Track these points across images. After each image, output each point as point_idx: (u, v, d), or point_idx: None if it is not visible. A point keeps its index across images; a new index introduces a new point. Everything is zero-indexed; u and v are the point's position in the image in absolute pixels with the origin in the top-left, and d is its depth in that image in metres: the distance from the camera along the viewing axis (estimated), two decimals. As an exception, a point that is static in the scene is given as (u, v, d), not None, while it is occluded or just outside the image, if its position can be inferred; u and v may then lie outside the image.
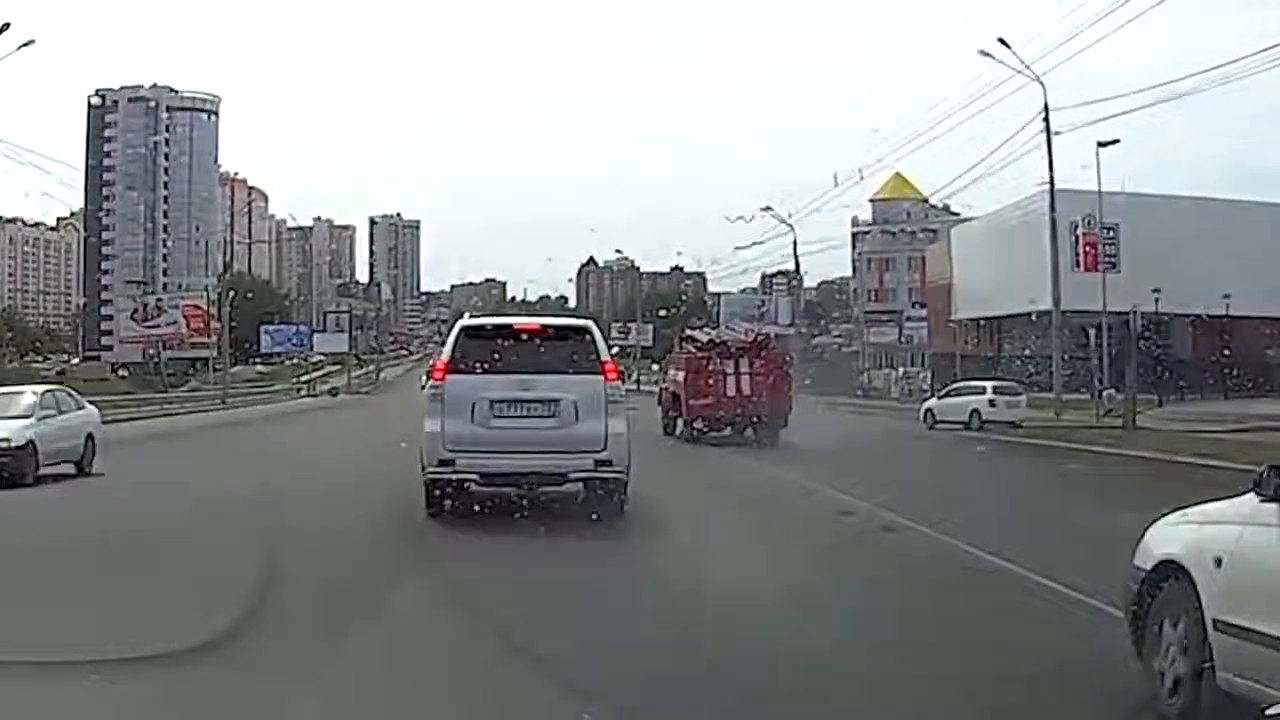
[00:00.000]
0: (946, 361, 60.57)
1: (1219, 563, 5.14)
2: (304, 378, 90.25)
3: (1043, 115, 38.03)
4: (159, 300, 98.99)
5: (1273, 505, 4.96)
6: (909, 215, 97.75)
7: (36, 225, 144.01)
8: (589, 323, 12.86)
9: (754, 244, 77.15)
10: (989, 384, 36.81)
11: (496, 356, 11.89)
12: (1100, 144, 38.47)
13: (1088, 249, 40.24)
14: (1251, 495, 5.15)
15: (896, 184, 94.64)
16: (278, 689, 5.68)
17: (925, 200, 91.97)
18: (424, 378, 14.96)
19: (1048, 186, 54.39)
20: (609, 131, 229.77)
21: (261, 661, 6.18)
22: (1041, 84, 38.71)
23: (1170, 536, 5.66)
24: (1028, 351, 48.80)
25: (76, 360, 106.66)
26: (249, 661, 6.17)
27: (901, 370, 66.72)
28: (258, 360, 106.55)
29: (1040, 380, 39.51)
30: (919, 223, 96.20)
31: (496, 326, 13.08)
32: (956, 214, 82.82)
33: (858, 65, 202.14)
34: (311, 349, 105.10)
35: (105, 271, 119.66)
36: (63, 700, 5.54)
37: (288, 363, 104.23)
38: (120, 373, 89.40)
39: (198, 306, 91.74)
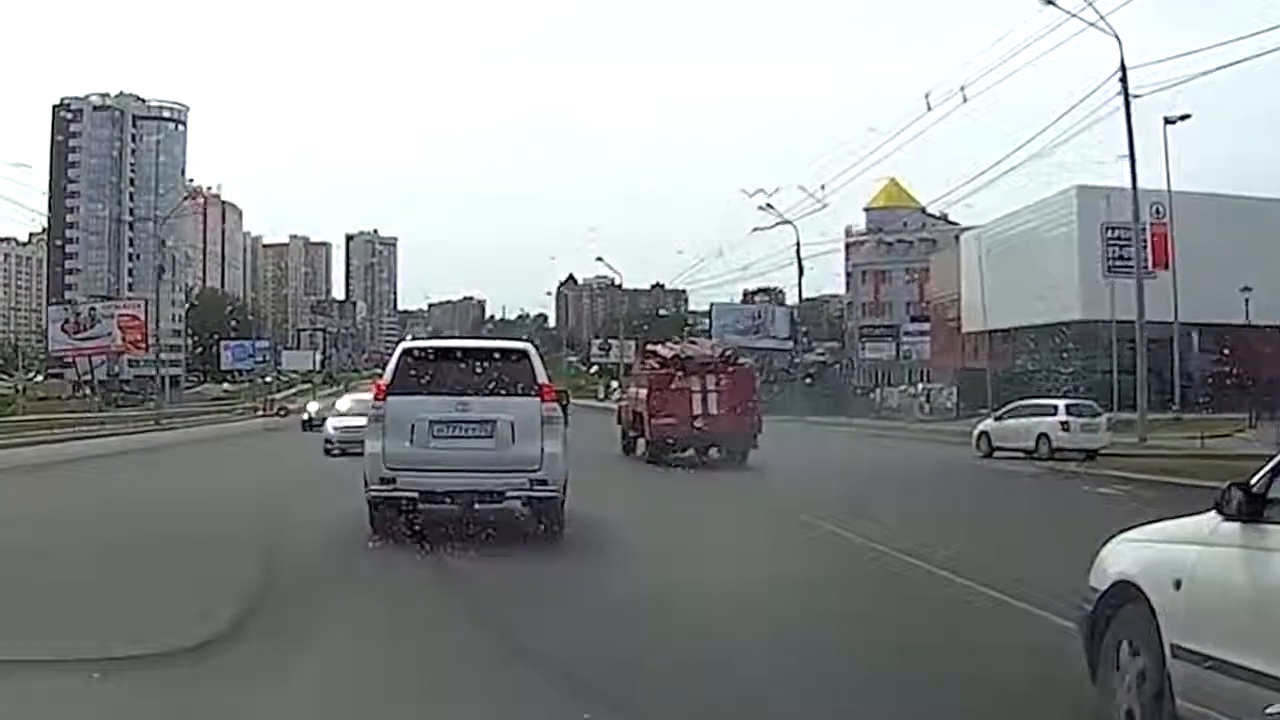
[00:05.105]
0: (974, 377, 56.16)
1: (1178, 585, 4.93)
2: (267, 397, 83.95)
3: (1119, 76, 31.79)
4: (92, 310, 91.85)
5: (1234, 525, 4.73)
6: (905, 225, 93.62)
7: (6, 240, 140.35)
8: (527, 346, 13.31)
9: (776, 225, 67.17)
10: (1060, 403, 30.83)
11: (436, 378, 12.39)
12: (1167, 120, 33.19)
13: (1156, 243, 35.28)
14: (1212, 514, 4.90)
15: (891, 192, 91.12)
16: None
17: (922, 209, 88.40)
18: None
19: (1073, 187, 51.44)
20: (590, 149, 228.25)
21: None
22: (1118, 39, 32.44)
23: (1127, 556, 5.49)
24: (1060, 367, 43.80)
25: (42, 378, 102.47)
26: None
27: (921, 387, 61.85)
28: (226, 378, 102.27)
29: (1082, 396, 34.28)
30: (916, 232, 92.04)
31: (436, 349, 13.68)
32: (955, 223, 79.34)
33: (854, 67, 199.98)
34: (276, 366, 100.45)
35: (69, 286, 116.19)
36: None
37: (258, 381, 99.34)
38: (80, 391, 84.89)
39: (134, 317, 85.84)
